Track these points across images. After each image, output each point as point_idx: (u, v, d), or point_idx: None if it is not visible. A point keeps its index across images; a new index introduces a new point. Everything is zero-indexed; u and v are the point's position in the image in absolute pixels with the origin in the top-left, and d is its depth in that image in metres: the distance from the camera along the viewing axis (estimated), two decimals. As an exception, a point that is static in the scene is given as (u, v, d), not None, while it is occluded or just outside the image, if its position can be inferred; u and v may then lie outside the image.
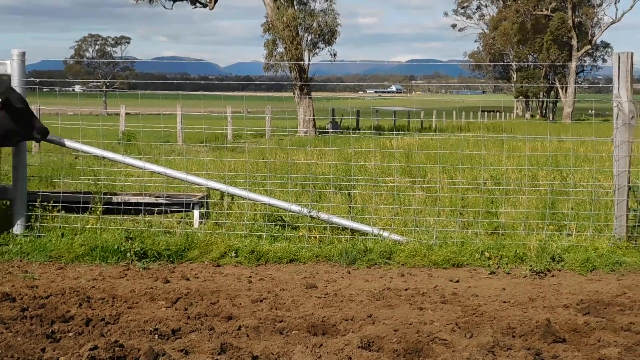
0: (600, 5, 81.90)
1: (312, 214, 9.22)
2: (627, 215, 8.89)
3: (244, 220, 9.57)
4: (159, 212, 9.76)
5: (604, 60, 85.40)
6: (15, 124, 8.76)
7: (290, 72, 44.72)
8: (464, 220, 9.59)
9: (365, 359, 5.09)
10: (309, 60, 45.27)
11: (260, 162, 13.27)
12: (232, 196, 10.04)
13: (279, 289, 7.33)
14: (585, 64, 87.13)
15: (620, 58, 8.82)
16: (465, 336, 5.69)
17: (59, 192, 9.70)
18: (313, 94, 43.23)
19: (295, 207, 9.38)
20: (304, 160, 12.32)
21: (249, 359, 5.09)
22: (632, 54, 8.81)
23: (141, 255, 8.44)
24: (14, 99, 8.74)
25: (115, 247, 8.53)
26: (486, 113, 68.81)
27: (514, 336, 5.75)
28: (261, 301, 6.84)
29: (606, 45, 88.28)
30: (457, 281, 7.75)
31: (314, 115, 40.94)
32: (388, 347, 5.37)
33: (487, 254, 8.45)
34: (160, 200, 9.77)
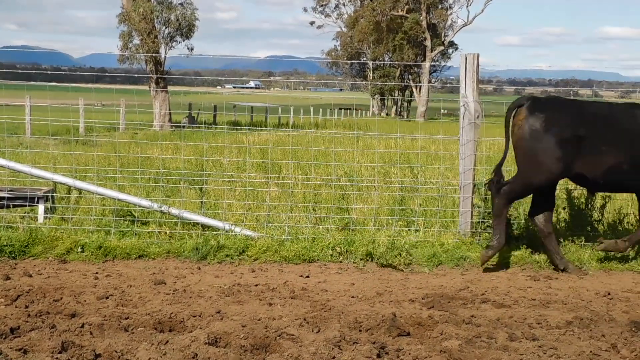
0: (452, 7, 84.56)
1: (162, 209, 9.08)
2: (471, 212, 9.18)
3: (92, 215, 9.31)
4: (1, 207, 9.34)
5: (449, 58, 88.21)
6: None
7: (146, 65, 43.93)
8: (316, 216, 9.66)
9: (211, 355, 5.03)
10: (166, 54, 44.62)
11: (112, 156, 12.95)
12: (79, 190, 9.74)
13: (126, 285, 7.16)
14: (438, 65, 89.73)
15: (467, 59, 9.09)
16: (312, 331, 5.71)
17: None
18: (170, 88, 42.63)
19: (145, 202, 9.21)
20: (158, 155, 12.08)
21: (91, 357, 4.94)
22: (477, 55, 9.10)
23: (-20, 252, 8.07)
24: None
25: (-48, 243, 8.12)
26: (343, 111, 69.74)
27: (360, 330, 5.83)
28: (107, 298, 6.66)
29: (454, 46, 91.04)
30: (308, 276, 7.80)
31: (170, 110, 40.37)
32: (235, 343, 5.33)
33: (337, 250, 8.55)
34: (1, 194, 9.35)
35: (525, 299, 7.04)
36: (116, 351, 5.05)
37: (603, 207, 9.74)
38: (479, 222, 9.20)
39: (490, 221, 8.96)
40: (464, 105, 9.08)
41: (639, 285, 7.79)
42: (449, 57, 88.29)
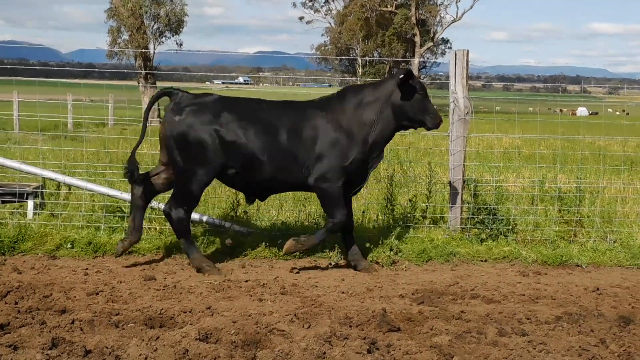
0: (442, 3, 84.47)
1: (152, 204, 9.05)
2: (461, 208, 9.21)
3: (81, 211, 9.29)
4: (-11, 203, 9.32)
5: (443, 54, 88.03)
6: None
7: (135, 61, 43.82)
8: (306, 211, 9.67)
9: (202, 351, 5.04)
10: (155, 49, 44.55)
11: (101, 152, 12.92)
12: (69, 186, 9.71)
13: (117, 281, 7.15)
14: (428, 61, 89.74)
15: (457, 55, 9.11)
16: (303, 327, 5.73)
17: None
18: (158, 84, 42.51)
19: (135, 198, 9.17)
20: (147, 151, 12.04)
21: (82, 353, 4.94)
22: (467, 51, 9.11)
23: (-31, 248, 8.05)
24: None
25: (-59, 239, 8.10)
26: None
27: (350, 326, 5.84)
28: (97, 294, 6.65)
29: (446, 41, 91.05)
30: (298, 272, 7.81)
31: (159, 105, 40.22)
32: (226, 338, 5.34)
33: (327, 245, 8.55)
34: (-10, 190, 9.32)
35: (515, 295, 7.07)
36: (107, 347, 5.05)
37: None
38: (468, 217, 9.23)
39: (480, 217, 9.00)
40: (453, 101, 9.10)
41: (628, 281, 7.84)
42: (443, 54, 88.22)
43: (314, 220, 9.39)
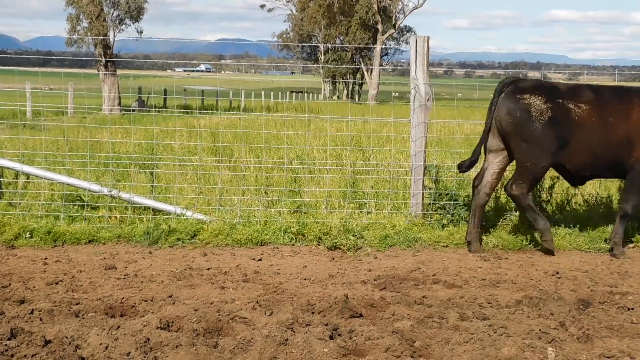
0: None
1: (112, 193, 8.99)
2: (422, 194, 9.25)
3: (40, 200, 9.18)
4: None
5: (407, 42, 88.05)
6: None
7: (95, 48, 43.36)
8: (269, 199, 9.64)
9: (163, 339, 5.00)
10: (115, 37, 44.08)
11: (60, 141, 12.76)
12: (27, 175, 9.59)
13: (77, 271, 7.09)
14: (390, 48, 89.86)
15: (418, 42, 9.12)
16: (265, 314, 5.71)
17: None
18: (119, 72, 42.16)
19: (95, 187, 9.11)
20: (107, 139, 11.93)
21: (41, 344, 4.87)
22: (427, 38, 9.13)
23: None
24: None
25: None
26: (294, 94, 69.53)
27: (313, 312, 5.84)
28: (57, 283, 6.59)
29: (409, 29, 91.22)
30: (260, 259, 7.80)
31: (119, 93, 39.93)
32: (188, 327, 5.31)
33: (290, 232, 8.55)
34: (-53, 180, 9.17)
35: (476, 279, 7.13)
36: (66, 337, 4.99)
37: (551, 187, 9.87)
38: (430, 203, 9.27)
39: (442, 202, 9.04)
40: (414, 87, 9.11)
41: (586, 264, 7.93)
42: (407, 42, 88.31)
43: (278, 209, 9.35)
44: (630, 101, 8.13)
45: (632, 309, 6.17)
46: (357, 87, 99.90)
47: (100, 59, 40.71)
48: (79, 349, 4.86)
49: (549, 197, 9.83)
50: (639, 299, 6.48)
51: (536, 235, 8.67)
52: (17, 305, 5.84)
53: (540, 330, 5.47)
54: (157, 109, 22.87)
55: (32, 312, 5.58)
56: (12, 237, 8.22)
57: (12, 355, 4.65)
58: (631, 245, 8.79)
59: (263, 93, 58.23)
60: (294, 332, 5.25)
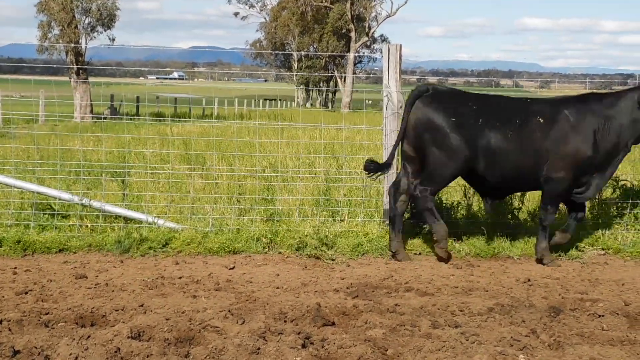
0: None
1: (83, 201, 8.92)
2: (395, 201, 9.23)
3: (10, 209, 9.09)
4: None
5: (380, 51, 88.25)
6: None
7: (67, 56, 43.09)
8: (241, 207, 9.61)
9: (134, 349, 4.96)
10: (87, 44, 43.83)
11: (31, 149, 12.65)
12: (-4, 184, 9.49)
13: (47, 280, 7.03)
14: (363, 56, 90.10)
15: (390, 50, 9.15)
16: (237, 322, 5.69)
17: None
18: (91, 79, 41.88)
19: (65, 195, 9.04)
20: (79, 147, 11.84)
21: (10, 354, 4.82)
22: (400, 46, 9.16)
23: None
24: None
25: None
26: (267, 101, 69.48)
27: (285, 321, 5.83)
28: (26, 293, 6.53)
29: (384, 39, 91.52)
30: (232, 268, 7.77)
31: (91, 101, 39.67)
32: (159, 336, 5.28)
33: (262, 241, 8.54)
34: None
35: (448, 287, 7.14)
36: (36, 347, 4.94)
37: (523, 195, 9.92)
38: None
39: (414, 210, 9.05)
40: (387, 95, 9.14)
41: (558, 272, 7.98)
42: (377, 49, 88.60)
43: (250, 217, 9.33)
44: (543, 111, 8.20)
45: (603, 315, 6.21)
46: (330, 95, 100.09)
47: (72, 66, 40.44)
48: (49, 359, 4.81)
49: (520, 205, 9.87)
50: (609, 306, 6.52)
51: (507, 243, 8.73)
52: (-14, 315, 5.77)
53: (512, 337, 5.50)
54: (129, 117, 22.73)
55: (0, 322, 5.52)
56: (-19, 247, 8.14)
57: (-20, 367, 4.60)
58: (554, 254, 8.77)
59: (236, 101, 58.17)
60: (266, 340, 5.23)
